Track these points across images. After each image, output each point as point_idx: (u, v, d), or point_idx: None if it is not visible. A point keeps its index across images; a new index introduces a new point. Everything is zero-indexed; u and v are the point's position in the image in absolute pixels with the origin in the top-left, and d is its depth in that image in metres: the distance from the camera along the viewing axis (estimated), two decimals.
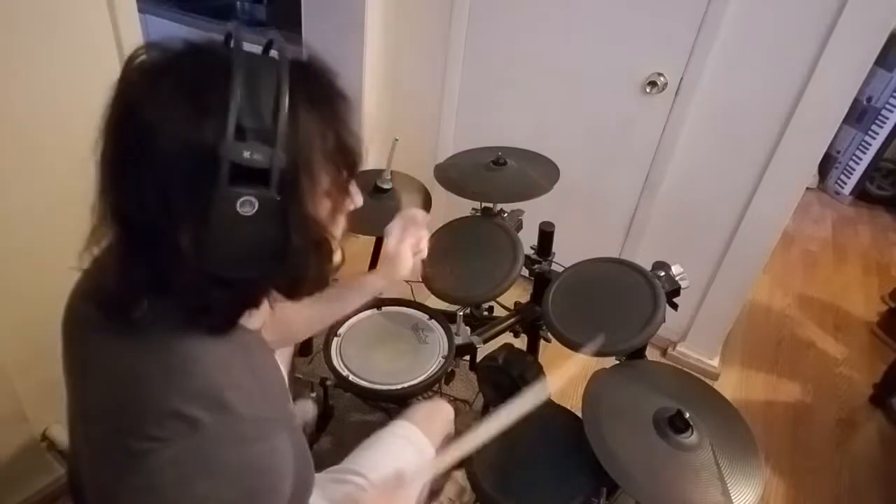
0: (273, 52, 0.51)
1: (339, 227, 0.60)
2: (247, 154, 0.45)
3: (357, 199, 0.61)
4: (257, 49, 0.53)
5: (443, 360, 1.12)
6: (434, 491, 0.98)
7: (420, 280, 1.10)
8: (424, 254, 1.02)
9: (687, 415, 0.85)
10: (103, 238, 0.54)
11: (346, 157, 0.55)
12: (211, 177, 0.45)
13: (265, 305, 0.59)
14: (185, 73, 0.48)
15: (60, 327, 0.62)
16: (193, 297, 0.51)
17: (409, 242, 0.98)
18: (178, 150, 0.46)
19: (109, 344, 0.55)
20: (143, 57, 0.49)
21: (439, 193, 1.44)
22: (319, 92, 0.52)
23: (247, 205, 0.46)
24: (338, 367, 1.09)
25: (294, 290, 0.59)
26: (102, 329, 0.55)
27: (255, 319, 0.62)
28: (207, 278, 0.49)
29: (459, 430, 1.03)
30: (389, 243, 0.99)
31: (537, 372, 1.21)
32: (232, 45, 0.49)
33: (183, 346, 0.53)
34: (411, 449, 0.94)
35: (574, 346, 1.03)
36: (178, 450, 0.49)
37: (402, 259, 0.97)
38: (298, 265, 0.53)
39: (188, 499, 0.49)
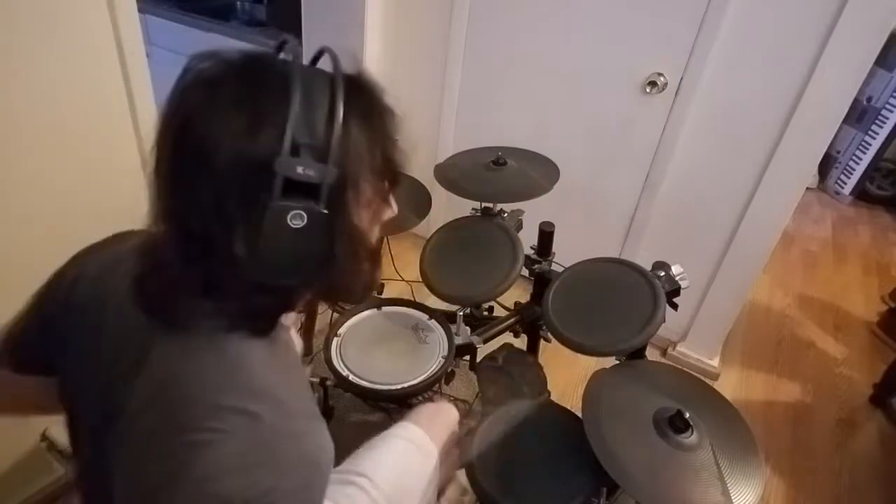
0: (325, 64, 0.53)
1: (375, 234, 0.62)
2: (300, 170, 0.47)
3: (394, 206, 0.63)
4: (258, 50, 0.54)
5: (443, 360, 1.12)
6: (439, 490, 0.98)
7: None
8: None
9: (687, 415, 0.85)
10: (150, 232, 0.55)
11: (390, 169, 0.57)
12: (265, 190, 0.47)
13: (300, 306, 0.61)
14: (244, 85, 0.49)
15: (82, 334, 0.62)
16: (239, 301, 0.53)
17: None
18: (235, 163, 0.47)
19: (155, 344, 0.55)
20: (200, 67, 0.50)
21: (439, 193, 1.44)
22: (369, 107, 0.54)
23: (297, 218, 0.48)
24: (338, 367, 1.09)
25: (335, 297, 0.62)
26: (146, 329, 0.55)
27: (289, 319, 0.64)
28: (254, 284, 0.51)
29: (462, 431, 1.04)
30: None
31: (537, 372, 1.21)
32: (290, 58, 0.51)
33: (232, 345, 0.54)
34: (415, 450, 0.94)
35: (574, 346, 1.03)
36: (241, 441, 0.50)
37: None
38: (340, 273, 0.55)
39: (252, 489, 0.49)
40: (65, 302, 0.65)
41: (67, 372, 0.66)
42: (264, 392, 0.53)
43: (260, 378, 0.54)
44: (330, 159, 0.48)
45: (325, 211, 0.49)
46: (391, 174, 0.57)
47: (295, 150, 0.47)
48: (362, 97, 0.53)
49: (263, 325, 0.56)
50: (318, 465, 0.55)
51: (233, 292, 0.52)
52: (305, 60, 0.55)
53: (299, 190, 0.47)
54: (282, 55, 0.55)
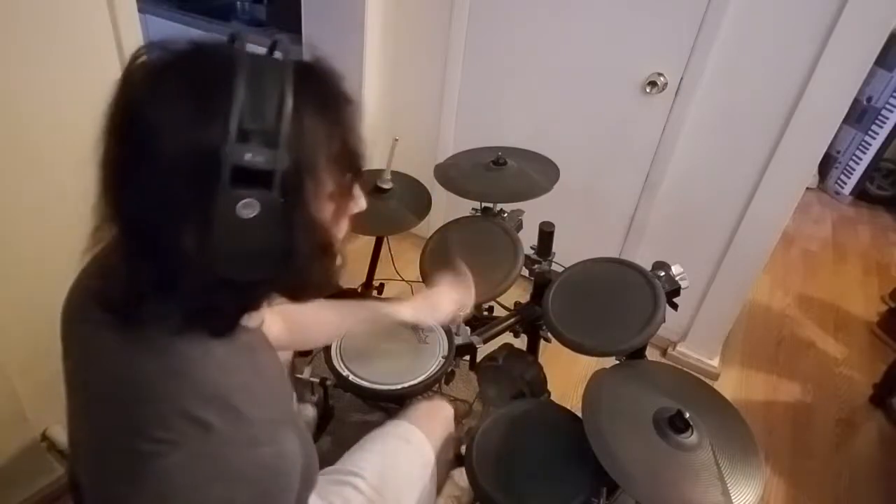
0: (277, 54, 0.51)
1: (342, 229, 0.60)
2: (248, 156, 0.45)
3: (361, 202, 0.61)
4: (262, 51, 0.53)
5: (443, 360, 1.12)
6: (437, 488, 0.98)
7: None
8: (467, 311, 1.09)
9: (687, 415, 0.85)
10: (103, 238, 0.54)
11: (350, 160, 0.54)
12: (213, 179, 0.45)
13: (265, 306, 0.59)
14: (189, 73, 0.48)
15: (59, 326, 0.62)
16: (196, 298, 0.51)
17: (455, 297, 1.06)
18: (181, 151, 0.45)
19: (111, 344, 0.54)
20: (145, 56, 0.49)
21: (439, 193, 1.44)
22: (324, 94, 0.52)
23: (248, 207, 0.46)
24: (338, 367, 1.09)
25: (297, 293, 0.59)
26: (104, 329, 0.54)
27: (255, 319, 0.62)
28: (211, 280, 0.49)
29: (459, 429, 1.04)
30: (437, 289, 1.06)
31: (537, 372, 1.21)
32: (236, 45, 0.49)
33: (184, 347, 0.53)
34: (409, 448, 0.94)
35: (574, 346, 1.03)
36: (189, 453, 0.49)
37: (442, 307, 1.04)
38: (302, 268, 0.53)
39: (202, 503, 0.49)
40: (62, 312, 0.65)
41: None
42: (216, 397, 0.52)
43: (213, 382, 0.52)
44: (280, 145, 0.46)
45: (282, 200, 0.47)
46: (353, 166, 0.55)
47: (243, 137, 0.45)
48: (317, 84, 0.52)
49: (222, 324, 0.55)
50: (279, 472, 0.53)
51: (189, 290, 0.50)
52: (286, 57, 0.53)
53: (252, 180, 0.45)
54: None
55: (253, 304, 0.57)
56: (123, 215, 0.50)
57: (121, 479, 0.51)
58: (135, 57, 0.49)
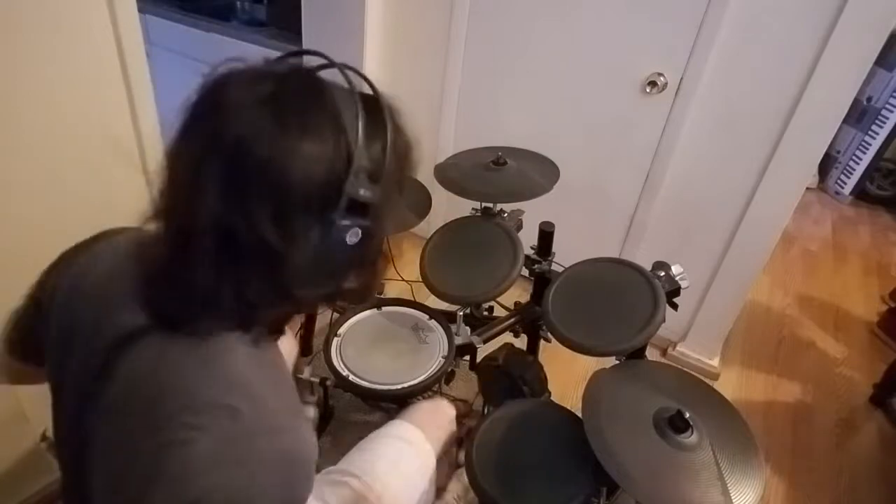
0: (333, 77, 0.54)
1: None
2: (362, 192, 0.50)
3: None
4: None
5: (443, 360, 1.12)
6: (439, 488, 0.97)
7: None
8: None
9: (687, 415, 0.85)
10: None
11: (406, 182, 0.62)
12: (330, 209, 0.50)
13: None
14: (306, 109, 0.50)
15: (61, 329, 0.62)
16: (262, 312, 0.54)
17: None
18: (304, 184, 0.48)
19: (135, 340, 0.55)
20: (248, 81, 0.49)
21: (439, 193, 1.44)
22: (395, 125, 0.57)
23: (354, 235, 0.52)
24: (338, 367, 1.09)
25: (350, 300, 0.67)
26: (126, 325, 0.56)
27: None
28: (284, 296, 0.53)
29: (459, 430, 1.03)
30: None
31: (537, 372, 1.20)
32: (343, 84, 0.53)
33: (213, 340, 0.54)
34: (409, 449, 0.93)
35: (574, 346, 1.03)
36: (217, 439, 0.50)
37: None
38: (367, 281, 0.60)
39: (227, 487, 0.49)
40: (52, 296, 0.65)
41: (50, 365, 0.66)
42: (243, 386, 0.53)
43: (239, 372, 0.54)
44: (383, 181, 0.52)
45: (372, 226, 0.53)
46: (405, 187, 0.62)
47: (358, 172, 0.50)
48: (392, 116, 0.56)
49: (274, 332, 0.59)
50: (299, 463, 0.55)
51: (259, 306, 0.53)
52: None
53: (355, 209, 0.51)
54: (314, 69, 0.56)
55: (300, 312, 0.62)
56: (220, 232, 0.49)
57: (144, 472, 0.51)
58: (226, 81, 0.50)
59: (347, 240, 0.51)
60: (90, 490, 0.58)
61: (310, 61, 0.57)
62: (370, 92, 0.56)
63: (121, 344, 0.56)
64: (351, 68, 0.55)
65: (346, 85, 0.53)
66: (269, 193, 0.48)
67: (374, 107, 0.54)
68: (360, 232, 0.52)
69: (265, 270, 0.50)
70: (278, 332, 0.60)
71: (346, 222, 0.50)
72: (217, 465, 0.49)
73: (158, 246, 0.54)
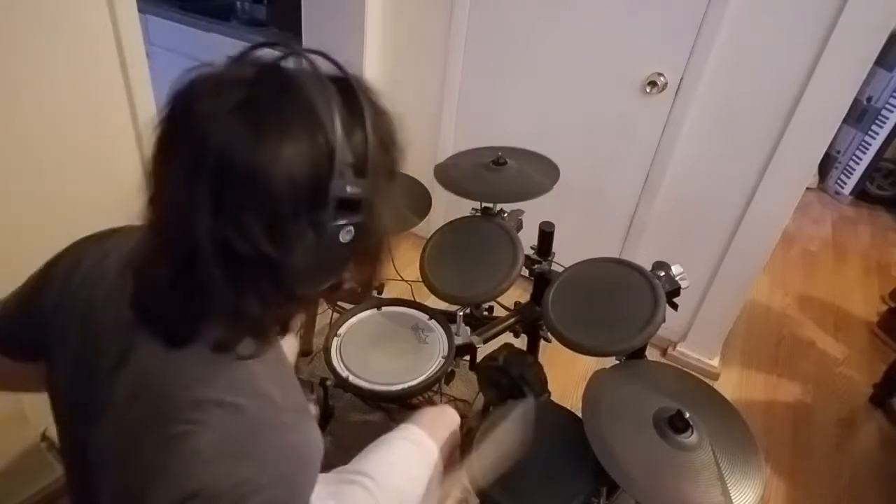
0: (317, 71, 0.52)
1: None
2: (349, 189, 0.49)
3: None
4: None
5: (443, 360, 1.12)
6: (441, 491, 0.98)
7: None
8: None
9: (687, 415, 0.85)
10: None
11: (397, 166, 0.59)
12: (318, 212, 0.49)
13: None
14: (282, 110, 0.48)
15: (72, 333, 0.62)
16: (262, 317, 0.53)
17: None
18: (289, 189, 0.47)
19: (139, 339, 0.55)
20: (220, 88, 0.48)
21: (439, 193, 1.44)
22: (374, 111, 0.55)
23: (348, 233, 0.51)
24: (338, 367, 1.09)
25: (342, 295, 0.63)
26: (131, 325, 0.56)
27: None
28: (284, 298, 0.52)
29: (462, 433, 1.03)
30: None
31: (537, 372, 1.20)
32: (300, 65, 0.51)
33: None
34: (417, 452, 0.94)
35: (574, 346, 1.03)
36: (219, 433, 0.50)
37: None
38: (368, 275, 0.60)
39: (226, 482, 0.49)
40: (56, 293, 0.65)
41: (53, 363, 0.66)
42: (248, 384, 0.54)
43: (244, 371, 0.54)
44: (368, 173, 0.50)
45: (365, 221, 0.52)
46: (397, 173, 0.59)
47: (342, 170, 0.49)
48: (371, 105, 0.54)
49: (281, 332, 0.59)
50: (304, 459, 0.55)
51: (260, 313, 0.52)
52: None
53: (346, 206, 0.50)
54: (289, 61, 0.53)
55: (304, 311, 0.62)
56: (215, 246, 0.48)
57: (147, 467, 0.51)
58: (199, 90, 0.48)
59: (342, 238, 0.51)
60: (97, 490, 0.58)
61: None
62: (340, 74, 0.53)
63: (126, 348, 0.56)
64: (315, 51, 0.52)
65: (312, 71, 0.51)
66: (257, 204, 0.47)
67: (349, 92, 0.51)
68: (353, 229, 0.51)
69: (265, 277, 0.50)
70: (284, 330, 0.60)
71: (337, 222, 0.50)
72: (218, 459, 0.49)
73: (155, 259, 0.53)
